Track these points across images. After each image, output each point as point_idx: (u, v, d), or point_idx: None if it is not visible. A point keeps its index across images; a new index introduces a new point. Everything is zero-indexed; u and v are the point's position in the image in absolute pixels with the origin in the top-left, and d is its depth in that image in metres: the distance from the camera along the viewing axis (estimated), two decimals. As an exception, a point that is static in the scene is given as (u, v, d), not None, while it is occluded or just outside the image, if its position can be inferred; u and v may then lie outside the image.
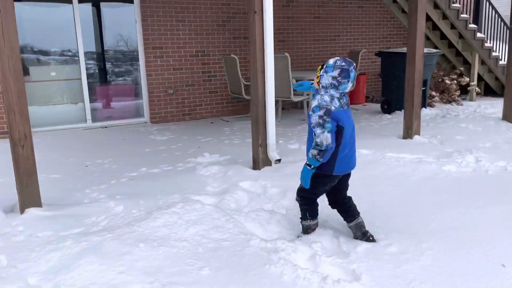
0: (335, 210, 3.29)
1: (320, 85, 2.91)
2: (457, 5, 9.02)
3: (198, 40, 7.99)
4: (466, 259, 2.86)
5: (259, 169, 4.79)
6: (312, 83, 3.10)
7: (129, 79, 8.00)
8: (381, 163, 4.83)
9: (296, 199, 3.26)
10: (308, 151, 2.99)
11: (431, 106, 8.37)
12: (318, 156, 2.84)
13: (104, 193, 4.14)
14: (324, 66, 2.91)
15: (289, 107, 8.70)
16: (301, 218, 3.26)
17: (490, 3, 10.34)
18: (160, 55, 7.69)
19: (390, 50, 8.30)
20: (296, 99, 7.20)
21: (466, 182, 4.29)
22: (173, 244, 3.04)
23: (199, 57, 8.06)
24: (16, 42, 3.37)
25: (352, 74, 2.87)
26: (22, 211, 3.56)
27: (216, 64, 8.19)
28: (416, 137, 5.87)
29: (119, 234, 3.11)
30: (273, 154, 4.87)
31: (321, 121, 2.80)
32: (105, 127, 7.39)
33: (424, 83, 7.60)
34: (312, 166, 2.91)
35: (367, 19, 9.68)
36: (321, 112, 2.79)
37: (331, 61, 2.90)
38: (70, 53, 7.35)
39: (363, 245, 2.99)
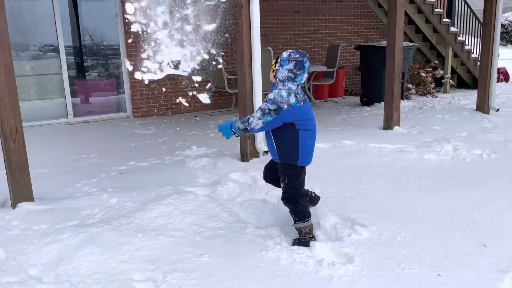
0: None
1: (277, 79, 2.95)
2: (432, 0, 9.31)
3: (176, 33, 7.97)
4: (450, 240, 3.05)
5: (248, 161, 4.89)
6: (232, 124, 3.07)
7: (110, 74, 7.94)
8: (365, 153, 5.01)
9: (285, 205, 3.16)
10: (269, 142, 3.10)
11: (408, 98, 8.64)
12: (241, 128, 2.96)
13: (96, 187, 4.16)
14: (279, 60, 2.94)
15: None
16: (293, 222, 3.12)
17: (463, -1, 10.70)
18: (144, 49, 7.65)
19: (369, 44, 8.51)
20: (278, 92, 7.32)
21: (445, 169, 4.51)
22: (171, 234, 3.12)
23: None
24: (6, 38, 3.35)
25: (307, 65, 2.96)
26: (14, 206, 3.55)
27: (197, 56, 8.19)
28: (396, 127, 6.09)
29: (116, 226, 3.16)
30: (260, 146, 4.98)
31: (266, 111, 2.87)
32: (88, 122, 7.33)
33: (402, 76, 7.84)
34: (235, 132, 3.01)
35: (345, 13, 9.86)
36: (272, 107, 2.86)
37: (285, 55, 2.95)
38: (50, 48, 7.23)
39: (355, 231, 3.13)
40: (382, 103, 7.48)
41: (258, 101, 4.87)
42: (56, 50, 7.14)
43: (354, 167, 4.55)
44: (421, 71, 9.21)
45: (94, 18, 7.72)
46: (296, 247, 2.97)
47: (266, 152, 5.02)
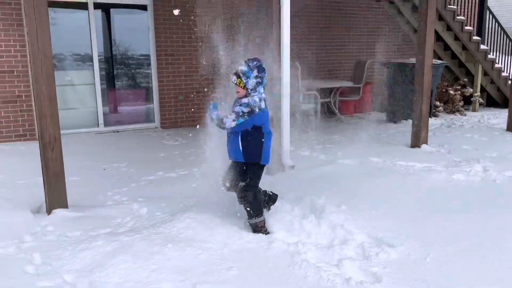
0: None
1: (248, 89, 3.23)
2: (461, 17, 9.23)
3: (207, 48, 8.14)
4: (481, 263, 3.00)
5: (273, 175, 4.92)
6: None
7: (140, 85, 8.15)
8: (392, 171, 4.98)
9: (240, 202, 3.40)
10: (232, 139, 3.35)
11: (436, 116, 8.54)
12: (216, 122, 3.26)
13: (126, 196, 4.26)
14: (243, 74, 3.20)
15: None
16: (247, 218, 3.41)
17: (494, 16, 10.56)
18: (172, 62, 7.84)
19: (397, 60, 8.48)
20: (304, 107, 7.35)
21: (475, 190, 4.43)
22: (199, 245, 3.17)
23: (208, 65, 8.20)
24: (49, 49, 3.51)
25: (263, 65, 3.27)
26: (49, 212, 3.68)
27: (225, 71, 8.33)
28: (424, 146, 6.03)
29: (147, 235, 3.24)
30: (286, 160, 5.01)
31: (240, 113, 3.21)
32: (117, 131, 7.52)
33: (430, 93, 7.77)
34: (212, 117, 3.28)
35: (372, 29, 9.87)
36: (245, 109, 3.20)
37: (244, 68, 3.21)
38: (84, 58, 7.49)
39: (383, 250, 3.11)
40: (409, 120, 7.43)
41: (285, 115, 4.93)
42: (89, 60, 7.39)
43: (381, 185, 4.52)
44: (450, 88, 9.10)
45: (126, 30, 7.97)
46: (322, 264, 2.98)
47: (292, 166, 5.05)
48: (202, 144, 6.33)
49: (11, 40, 6.52)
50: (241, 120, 3.22)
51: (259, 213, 3.39)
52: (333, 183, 4.57)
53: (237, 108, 3.23)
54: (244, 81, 3.21)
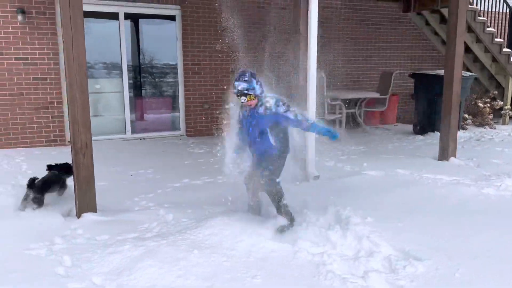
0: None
1: (259, 95, 3.41)
2: (491, 29, 9.07)
3: (234, 58, 8.24)
4: (512, 280, 2.91)
5: (298, 185, 4.91)
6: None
7: (167, 93, 8.30)
8: (419, 183, 4.90)
9: (268, 190, 3.59)
10: (260, 141, 3.50)
11: (464, 129, 8.38)
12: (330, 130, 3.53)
13: (153, 201, 4.34)
14: (247, 90, 3.34)
15: (320, 125, 8.82)
16: (279, 201, 3.60)
17: (525, 28, 10.34)
18: (198, 71, 7.97)
19: (425, 72, 8.38)
20: (329, 117, 7.33)
21: (506, 205, 4.31)
22: (224, 252, 3.19)
23: (234, 74, 8.28)
24: (83, 59, 3.63)
25: (250, 70, 3.46)
26: (79, 216, 3.78)
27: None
28: (452, 159, 5.92)
29: (173, 241, 3.28)
30: (311, 170, 5.00)
31: (287, 106, 3.42)
32: (144, 138, 7.66)
33: (459, 105, 7.64)
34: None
35: (399, 40, 9.80)
36: (281, 102, 3.43)
37: (244, 84, 3.33)
38: (113, 67, 7.69)
39: (410, 263, 3.06)
40: (437, 133, 7.32)
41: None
42: (118, 69, 7.58)
43: (407, 197, 4.46)
44: (479, 101, 8.92)
45: (154, 39, 8.15)
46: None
47: (317, 177, 5.03)
48: (226, 152, 6.39)
49: (45, 49, 6.76)
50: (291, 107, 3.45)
51: (283, 194, 3.62)
52: (358, 194, 4.53)
53: (281, 110, 3.41)
54: (252, 92, 3.37)
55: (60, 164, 4.24)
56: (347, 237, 3.46)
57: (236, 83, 3.38)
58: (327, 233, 3.52)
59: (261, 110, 3.44)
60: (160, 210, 3.97)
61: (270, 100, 3.43)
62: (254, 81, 3.38)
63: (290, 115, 3.43)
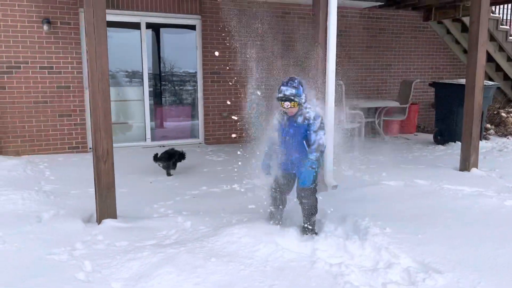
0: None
1: (299, 106, 3.45)
2: (514, 38, 8.92)
3: (253, 67, 8.29)
4: (537, 295, 2.83)
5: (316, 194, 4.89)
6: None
7: (186, 101, 8.40)
8: (440, 194, 4.82)
9: (309, 203, 3.62)
10: (299, 156, 3.51)
11: (486, 139, 8.22)
12: (320, 158, 3.43)
13: (171, 209, 4.38)
14: (294, 97, 3.39)
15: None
16: (311, 217, 3.65)
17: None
18: (217, 80, 8.04)
19: (446, 81, 8.27)
20: (348, 126, 7.29)
21: (530, 218, 4.20)
22: (242, 261, 3.20)
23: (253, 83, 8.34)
24: (106, 67, 3.72)
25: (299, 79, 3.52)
26: (99, 222, 3.84)
27: (271, 90, 8.44)
28: (473, 169, 5.81)
29: (191, 248, 3.30)
30: (330, 180, 4.98)
31: (322, 125, 3.44)
32: (163, 146, 7.74)
33: (481, 115, 7.51)
34: (316, 168, 3.45)
35: (420, 49, 9.71)
36: (320, 119, 3.45)
37: (293, 90, 3.39)
38: (135, 75, 7.84)
39: (430, 276, 3.01)
40: (458, 143, 7.20)
41: (329, 134, 4.90)
42: (140, 77, 7.72)
43: (427, 208, 4.39)
44: (502, 111, 8.75)
45: (174, 48, 8.28)
46: None
47: (335, 186, 5.00)
48: (245, 161, 6.43)
49: (69, 58, 6.93)
50: (325, 129, 3.51)
51: (317, 211, 3.71)
52: (377, 204, 4.48)
53: (316, 124, 3.44)
54: (297, 100, 3.42)
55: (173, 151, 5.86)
56: (365, 248, 3.43)
57: (284, 88, 3.41)
58: (345, 243, 3.50)
59: (300, 119, 3.50)
60: (178, 218, 4.01)
61: (310, 112, 3.48)
62: (302, 89, 3.44)
63: (313, 136, 3.44)
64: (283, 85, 3.45)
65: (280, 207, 3.83)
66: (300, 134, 3.52)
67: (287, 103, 3.42)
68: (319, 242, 3.52)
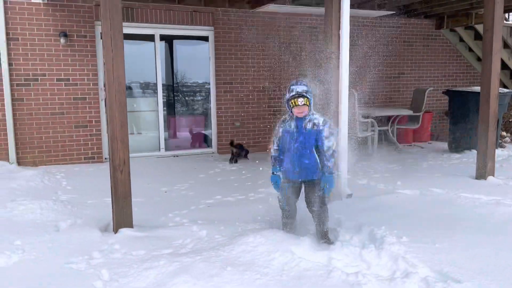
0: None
1: (311, 106, 3.47)
2: (529, 44, 8.84)
3: (265, 76, 8.36)
4: (559, 306, 2.78)
5: (330, 203, 4.85)
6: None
7: (199, 111, 8.47)
8: (456, 203, 4.76)
9: (320, 211, 3.65)
10: (308, 162, 3.52)
11: (502, 147, 8.12)
12: (335, 163, 3.45)
13: (186, 218, 4.40)
14: (306, 93, 3.41)
15: (351, 142, 8.76)
16: (323, 225, 3.68)
17: None
18: (230, 89, 8.10)
19: (460, 89, 8.21)
20: (361, 134, 7.27)
21: (550, 226, 4.13)
22: (258, 270, 3.19)
23: (266, 92, 8.40)
24: (123, 79, 3.78)
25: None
26: (116, 231, 3.88)
27: (282, 98, 8.47)
28: (490, 178, 5.73)
29: (207, 257, 3.31)
30: (344, 189, 4.96)
31: (333, 131, 3.47)
32: (177, 156, 7.81)
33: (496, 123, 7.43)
34: (335, 174, 3.47)
35: (432, 57, 9.67)
36: (329, 125, 3.47)
37: (305, 87, 3.44)
38: (149, 87, 7.95)
39: (449, 286, 2.97)
40: (473, 151, 7.12)
41: (343, 143, 4.91)
42: (154, 88, 7.82)
43: (444, 217, 4.34)
44: (517, 118, 8.64)
45: (187, 59, 8.38)
46: None
47: (350, 195, 4.98)
48: (257, 170, 6.44)
49: (85, 70, 7.06)
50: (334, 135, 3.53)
51: (328, 218, 3.72)
52: (393, 213, 4.45)
53: (327, 131, 3.47)
54: (309, 96, 3.45)
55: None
56: (382, 257, 3.40)
57: (294, 86, 3.44)
58: (362, 252, 3.48)
59: (309, 125, 3.49)
60: (193, 227, 4.03)
61: (319, 118, 3.50)
62: (311, 91, 3.48)
63: (325, 144, 3.47)
64: (292, 85, 3.48)
65: (291, 217, 3.82)
66: (309, 141, 3.51)
67: (300, 99, 3.40)
68: (335, 251, 3.51)
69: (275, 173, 3.73)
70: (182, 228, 4.03)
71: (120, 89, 3.77)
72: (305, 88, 3.45)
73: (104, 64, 3.79)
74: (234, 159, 7.13)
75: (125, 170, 3.85)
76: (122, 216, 3.88)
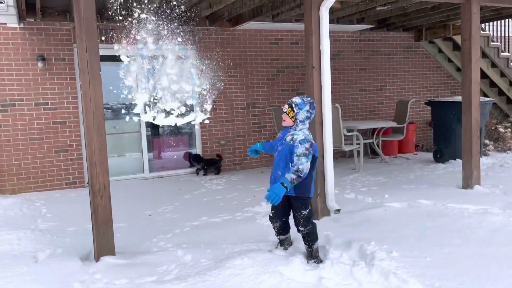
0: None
1: (297, 120, 3.46)
2: (506, 53, 9.01)
3: (249, 93, 8.33)
4: (555, 317, 2.72)
5: (319, 219, 4.80)
6: (262, 142, 3.89)
7: (184, 130, 8.36)
8: (444, 214, 4.73)
9: (305, 230, 3.55)
10: (281, 175, 3.46)
11: (486, 155, 8.17)
12: (295, 180, 3.28)
13: (171, 242, 4.26)
14: (296, 105, 3.45)
15: (337, 156, 8.75)
16: (311, 244, 3.58)
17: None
18: (214, 107, 8.03)
19: (442, 99, 8.29)
20: (347, 148, 7.25)
21: (538, 234, 4.11)
22: (246, 294, 3.08)
23: (250, 109, 8.36)
24: (100, 101, 3.69)
25: (315, 105, 3.58)
26: (97, 259, 3.72)
27: (266, 115, 8.45)
28: (476, 187, 5.73)
29: (192, 283, 3.19)
30: (332, 204, 4.89)
31: (307, 152, 3.33)
32: (161, 177, 7.67)
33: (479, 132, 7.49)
34: (287, 188, 3.27)
35: (413, 69, 9.78)
36: (307, 145, 3.35)
37: (298, 100, 3.48)
38: (131, 107, 7.81)
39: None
40: (458, 160, 7.15)
41: (329, 157, 4.86)
42: (136, 109, 7.68)
43: (433, 229, 4.30)
44: (499, 126, 8.75)
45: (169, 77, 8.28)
46: None
47: (338, 210, 4.91)
48: (244, 188, 6.35)
49: (64, 93, 6.93)
50: (310, 157, 3.36)
51: (317, 238, 3.62)
52: (382, 227, 4.39)
53: (301, 149, 3.34)
54: (295, 111, 3.45)
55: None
56: (373, 274, 3.32)
57: (295, 98, 3.51)
58: (352, 270, 3.40)
59: (288, 138, 3.49)
60: (178, 251, 3.89)
61: (301, 135, 3.42)
62: (306, 108, 3.46)
63: (298, 159, 3.30)
64: (297, 96, 3.58)
65: (282, 233, 3.74)
66: (284, 153, 3.49)
67: (285, 106, 3.48)
68: (325, 270, 3.41)
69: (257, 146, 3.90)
70: (167, 253, 3.89)
71: (98, 112, 3.67)
72: (298, 101, 3.48)
73: (81, 87, 3.69)
74: (201, 170, 7.55)
75: (105, 195, 3.72)
76: (104, 244, 3.73)
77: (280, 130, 3.73)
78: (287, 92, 8.60)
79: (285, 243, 3.82)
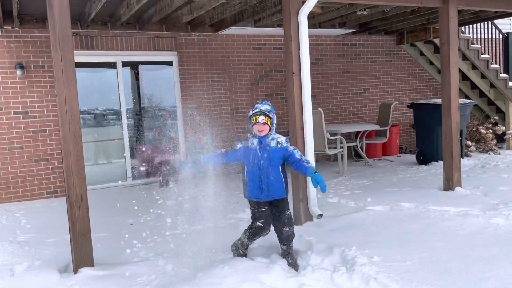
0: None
1: (274, 125, 3.56)
2: (486, 55, 9.15)
3: (233, 98, 8.32)
4: (531, 319, 2.74)
5: (301, 225, 4.80)
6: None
7: (167, 137, 8.30)
8: (425, 217, 4.76)
9: (290, 230, 3.65)
10: (274, 180, 3.55)
11: (468, 156, 8.27)
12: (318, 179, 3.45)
13: (152, 251, 4.22)
14: (268, 112, 3.51)
15: (322, 160, 8.77)
16: (290, 244, 3.70)
17: (519, 52, 10.41)
18: (198, 113, 7.99)
19: (423, 102, 8.38)
20: (330, 152, 7.27)
21: (517, 235, 4.15)
22: (226, 304, 3.05)
23: (234, 115, 8.34)
24: (76, 110, 3.63)
25: None
26: (75, 271, 3.66)
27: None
28: (457, 188, 5.79)
29: (172, 294, 3.15)
30: (314, 209, 4.88)
31: (294, 148, 3.59)
32: (145, 184, 7.59)
33: (460, 133, 7.58)
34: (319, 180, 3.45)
35: (395, 72, 9.87)
36: (289, 142, 3.63)
37: (266, 106, 3.55)
38: (113, 114, 7.75)
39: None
40: (440, 162, 7.22)
41: (310, 161, 4.85)
42: (118, 116, 7.63)
43: (414, 232, 4.32)
44: (481, 127, 8.86)
45: (153, 84, 8.24)
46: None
47: (321, 215, 4.91)
48: (228, 195, 6.29)
49: (44, 101, 6.83)
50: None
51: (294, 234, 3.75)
52: (364, 232, 4.40)
53: (291, 148, 3.58)
54: (271, 116, 3.52)
55: None
56: (353, 279, 3.33)
57: (259, 105, 3.56)
58: (333, 276, 3.40)
59: (273, 143, 3.54)
60: (159, 261, 3.85)
61: (281, 136, 3.60)
62: (273, 111, 3.58)
63: (296, 154, 3.56)
64: (257, 103, 3.61)
65: (264, 230, 3.72)
66: (276, 158, 3.54)
67: (261, 117, 3.49)
68: (306, 276, 3.40)
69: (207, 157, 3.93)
70: (147, 263, 3.84)
71: (74, 121, 3.62)
72: (268, 107, 3.54)
73: (56, 95, 3.63)
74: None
75: (83, 206, 3.66)
76: (82, 255, 3.67)
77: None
78: (270, 96, 8.60)
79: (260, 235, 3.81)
